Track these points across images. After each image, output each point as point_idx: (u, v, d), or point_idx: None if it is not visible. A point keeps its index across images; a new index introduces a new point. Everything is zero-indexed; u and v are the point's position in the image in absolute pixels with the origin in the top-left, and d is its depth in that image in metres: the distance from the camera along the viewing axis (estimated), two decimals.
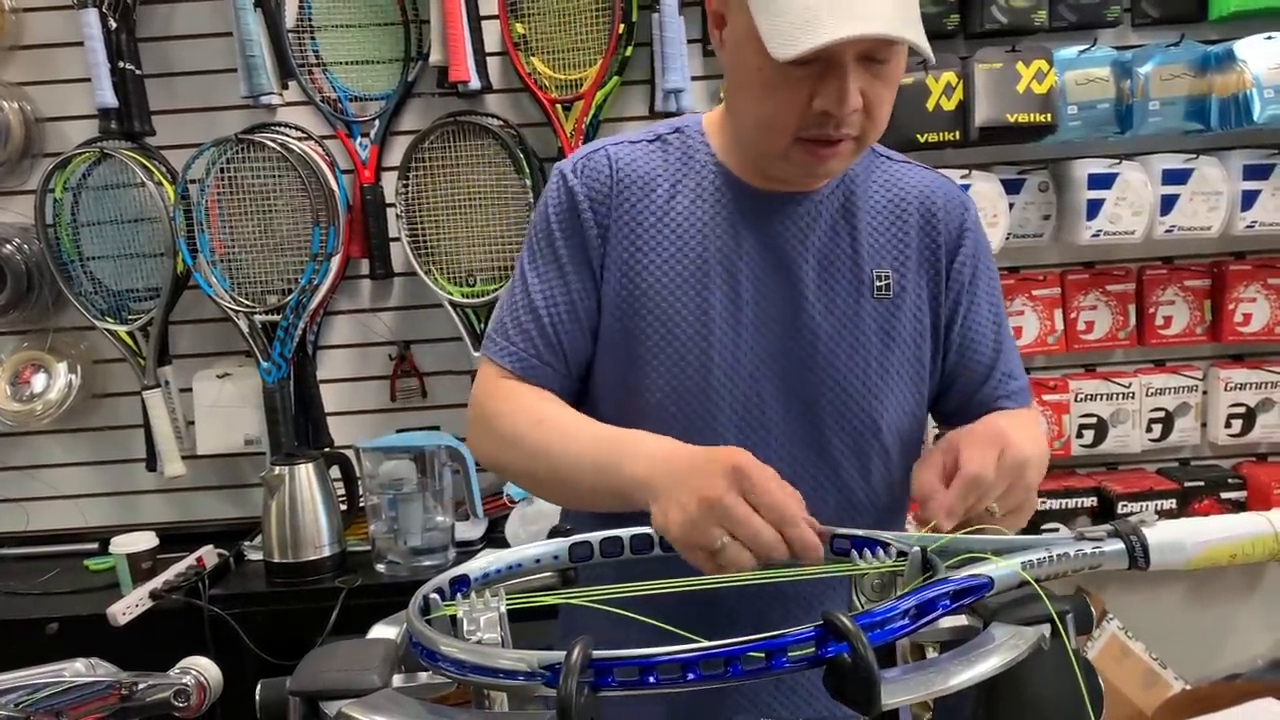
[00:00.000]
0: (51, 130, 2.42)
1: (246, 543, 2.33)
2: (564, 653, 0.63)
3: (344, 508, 2.25)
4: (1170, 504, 2.37)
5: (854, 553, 0.91)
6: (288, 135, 2.32)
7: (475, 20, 2.28)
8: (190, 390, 2.41)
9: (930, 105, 2.26)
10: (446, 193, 2.32)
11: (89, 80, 2.23)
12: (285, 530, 2.15)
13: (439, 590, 0.84)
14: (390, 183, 2.36)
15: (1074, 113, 2.27)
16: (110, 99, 2.23)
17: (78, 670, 1.05)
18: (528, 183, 2.27)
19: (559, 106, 2.30)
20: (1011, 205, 2.35)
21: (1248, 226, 2.35)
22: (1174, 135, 2.31)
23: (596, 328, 1.19)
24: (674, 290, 1.16)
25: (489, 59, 2.34)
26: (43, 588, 2.25)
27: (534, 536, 1.74)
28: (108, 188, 2.34)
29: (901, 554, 0.86)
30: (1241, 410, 2.46)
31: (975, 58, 2.25)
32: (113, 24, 2.24)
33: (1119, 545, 0.83)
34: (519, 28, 2.31)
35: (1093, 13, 2.29)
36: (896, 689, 0.65)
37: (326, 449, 2.35)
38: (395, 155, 2.38)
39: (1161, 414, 2.46)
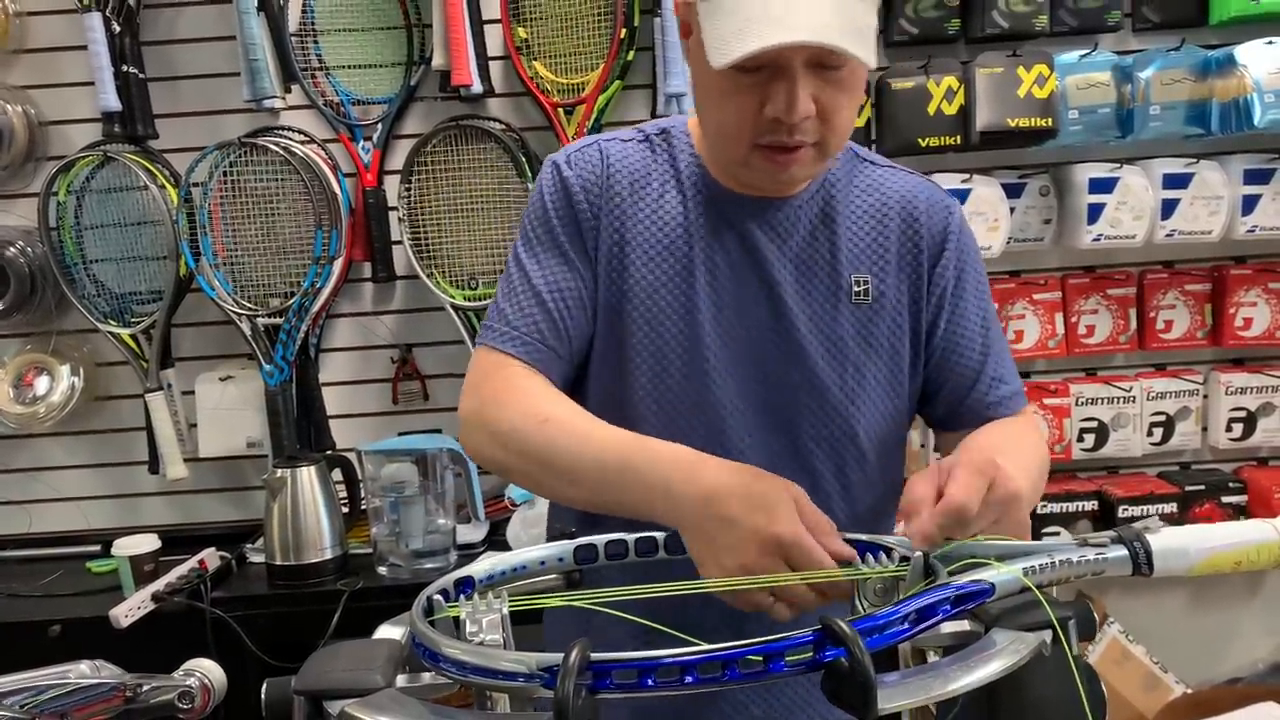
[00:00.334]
0: (55, 133, 2.42)
1: (248, 545, 2.33)
2: (562, 655, 0.64)
3: (346, 510, 2.26)
4: (1171, 508, 2.37)
5: (857, 557, 0.91)
6: (290, 139, 2.33)
7: (477, 24, 2.29)
8: (193, 393, 2.41)
9: (931, 110, 2.27)
10: (449, 196, 2.33)
11: (92, 84, 2.23)
12: (287, 533, 2.15)
13: (443, 591, 0.85)
14: (393, 186, 2.37)
15: (1075, 117, 2.27)
16: (114, 102, 2.23)
17: (83, 672, 1.05)
18: (530, 186, 2.28)
19: (561, 110, 2.31)
20: (1012, 209, 2.35)
21: (1248, 231, 2.35)
22: (1175, 140, 2.32)
23: (595, 317, 1.19)
24: (660, 289, 1.17)
25: (491, 63, 2.34)
26: (45, 590, 2.25)
27: (535, 539, 1.74)
28: (111, 191, 2.35)
29: (904, 559, 0.87)
30: (1242, 414, 2.46)
31: (976, 62, 2.25)
32: (116, 27, 2.24)
33: (1122, 552, 0.83)
34: (521, 32, 2.32)
35: (1094, 17, 2.29)
36: (895, 693, 0.65)
37: (328, 452, 2.35)
38: (398, 159, 2.38)
39: (1162, 418, 2.46)
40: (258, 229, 2.31)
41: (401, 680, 0.75)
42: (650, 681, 0.64)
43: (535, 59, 2.33)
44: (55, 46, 2.39)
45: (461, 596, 0.85)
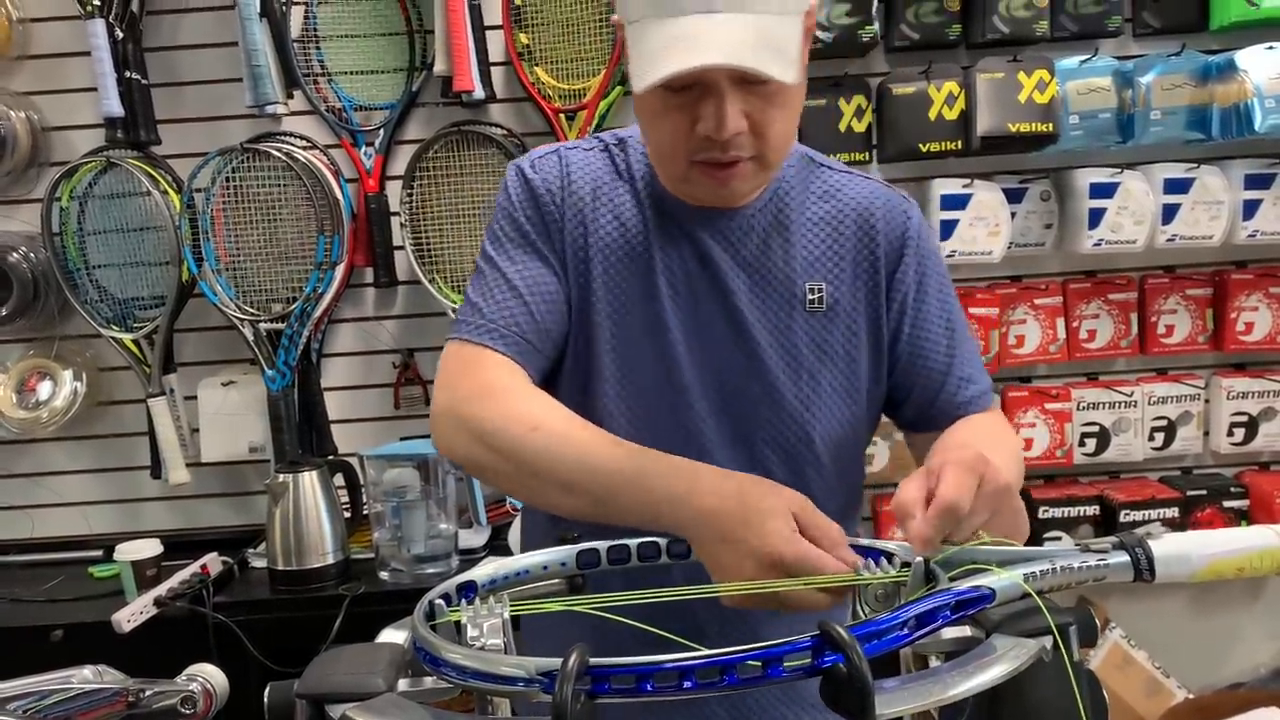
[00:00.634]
0: (58, 139, 2.43)
1: (251, 550, 2.33)
2: (561, 660, 0.64)
3: (348, 515, 2.26)
4: (1172, 513, 2.37)
5: (858, 562, 0.91)
6: (293, 144, 2.33)
7: (479, 30, 2.29)
8: (195, 398, 2.41)
9: (932, 115, 2.27)
10: (450, 202, 2.33)
11: (95, 89, 2.24)
12: (289, 538, 2.15)
13: (445, 596, 0.85)
14: (394, 192, 2.38)
15: (1075, 122, 2.28)
16: (116, 108, 2.24)
17: (85, 677, 1.06)
18: None
19: (562, 116, 2.31)
20: (1013, 214, 2.35)
21: (1249, 236, 2.35)
22: (1175, 145, 2.32)
23: (570, 316, 1.19)
24: (625, 294, 1.18)
25: (493, 69, 2.35)
26: (47, 595, 2.26)
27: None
28: (114, 196, 2.36)
29: (905, 564, 0.87)
30: (1244, 419, 2.46)
31: (977, 67, 2.26)
32: (119, 34, 2.25)
33: (1124, 557, 0.83)
34: (523, 38, 2.33)
35: (1094, 23, 2.30)
36: (894, 699, 0.65)
37: (330, 456, 2.35)
38: (400, 164, 2.39)
39: (1164, 423, 2.46)
40: (260, 234, 2.31)
41: (403, 685, 0.75)
42: (649, 686, 0.64)
43: (537, 65, 2.33)
44: (58, 53, 2.40)
45: (463, 601, 0.85)
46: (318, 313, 2.31)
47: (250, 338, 2.30)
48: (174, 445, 2.36)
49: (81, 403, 2.42)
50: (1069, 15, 2.29)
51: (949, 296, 1.25)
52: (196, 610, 2.06)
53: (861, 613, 0.86)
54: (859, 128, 2.34)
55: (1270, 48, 2.21)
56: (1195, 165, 2.33)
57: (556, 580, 0.99)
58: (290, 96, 2.35)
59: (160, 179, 2.31)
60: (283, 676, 0.76)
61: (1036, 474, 2.51)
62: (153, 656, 1.32)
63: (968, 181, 2.32)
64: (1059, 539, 2.38)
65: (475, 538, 2.30)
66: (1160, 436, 2.46)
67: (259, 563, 2.28)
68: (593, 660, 0.64)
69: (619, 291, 1.18)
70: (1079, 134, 2.28)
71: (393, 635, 0.83)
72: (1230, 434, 2.47)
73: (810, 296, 1.19)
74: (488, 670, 0.68)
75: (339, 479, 2.25)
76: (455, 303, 2.31)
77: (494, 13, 2.32)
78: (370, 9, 2.37)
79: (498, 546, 2.30)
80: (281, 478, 2.16)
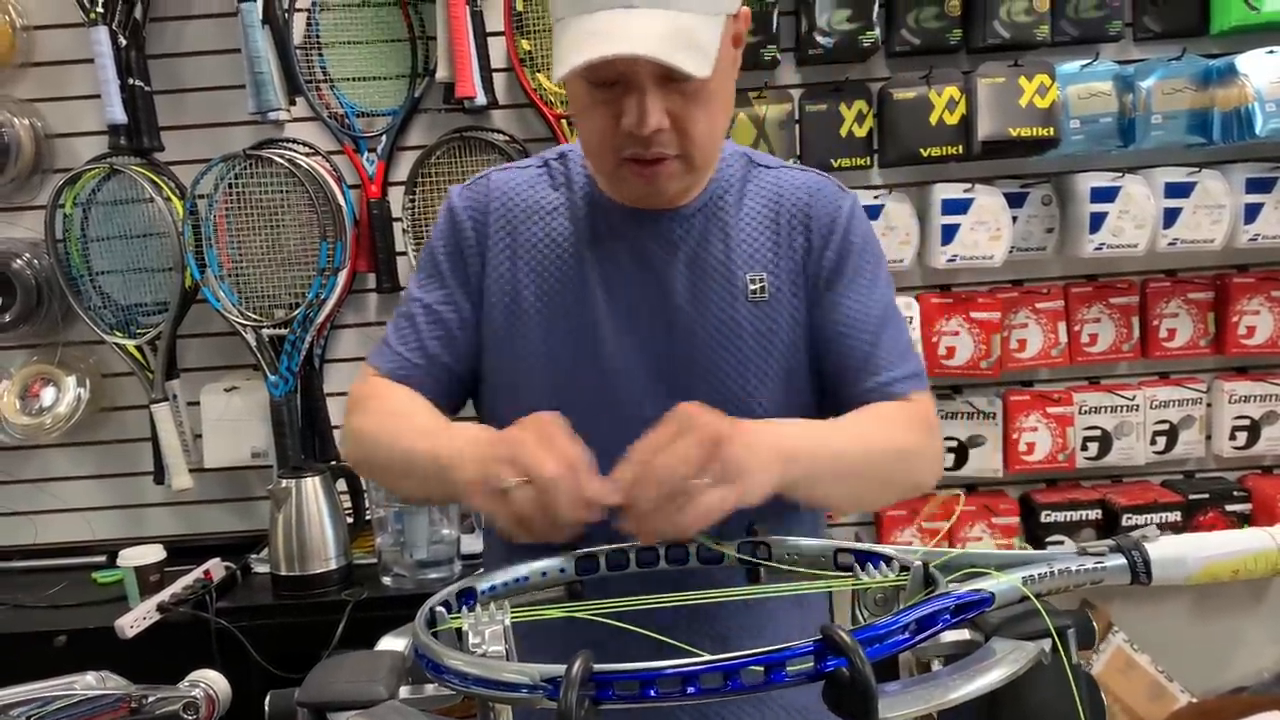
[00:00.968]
0: (61, 146, 2.44)
1: (253, 555, 2.33)
2: (565, 666, 0.64)
3: (350, 521, 2.26)
4: (1175, 516, 2.37)
5: (857, 566, 0.92)
6: (295, 151, 2.34)
7: (481, 37, 2.30)
8: (198, 404, 2.42)
9: (933, 120, 2.28)
10: None
11: (99, 96, 2.24)
12: (292, 543, 2.15)
13: (446, 603, 0.85)
14: (397, 198, 2.38)
15: (1076, 127, 2.28)
16: (120, 115, 2.25)
17: (88, 683, 1.06)
18: None
19: (564, 122, 2.32)
20: (1015, 219, 2.35)
21: (1251, 239, 2.35)
22: (1176, 149, 2.32)
23: (476, 336, 1.24)
24: (554, 305, 1.21)
25: (495, 75, 2.36)
26: (51, 600, 2.26)
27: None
28: (117, 203, 2.36)
29: (904, 568, 0.87)
30: (1246, 423, 2.46)
31: (977, 72, 2.26)
32: (123, 41, 2.26)
33: (1120, 560, 0.84)
34: (525, 44, 2.33)
35: (1095, 27, 2.30)
36: (896, 703, 0.65)
37: (333, 462, 2.36)
38: (402, 170, 2.39)
39: (1166, 426, 2.46)
40: (263, 241, 2.32)
41: (405, 692, 0.76)
42: (653, 692, 0.65)
43: (539, 71, 2.34)
44: (62, 60, 2.40)
45: (464, 608, 0.85)
46: (320, 318, 2.31)
47: (253, 343, 2.31)
48: (177, 451, 2.36)
49: (85, 408, 2.43)
50: (1069, 20, 2.30)
51: (879, 285, 1.24)
52: (199, 616, 2.07)
53: (861, 617, 0.86)
54: (860, 133, 2.34)
55: (1271, 52, 2.21)
56: (1196, 169, 2.33)
57: (556, 586, 0.99)
58: (293, 103, 2.35)
59: (163, 185, 2.32)
60: (285, 682, 0.77)
61: (1039, 478, 2.51)
62: (156, 662, 1.32)
63: (969, 186, 2.32)
64: (1061, 543, 2.38)
65: (477, 543, 2.30)
66: (1162, 440, 2.46)
67: (262, 568, 2.29)
68: (596, 666, 0.64)
69: (551, 301, 1.21)
70: (1080, 138, 2.28)
71: (391, 643, 0.83)
72: (1232, 438, 2.46)
73: (752, 287, 1.20)
74: (491, 677, 0.69)
75: (342, 484, 2.26)
76: None
77: (496, 19, 2.32)
78: (372, 15, 2.37)
79: None
80: (284, 483, 2.17)
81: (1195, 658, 2.51)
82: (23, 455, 2.51)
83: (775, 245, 1.22)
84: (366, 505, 2.28)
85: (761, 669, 0.65)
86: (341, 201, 2.31)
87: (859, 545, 0.94)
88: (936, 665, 0.80)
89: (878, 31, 2.27)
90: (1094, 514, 2.41)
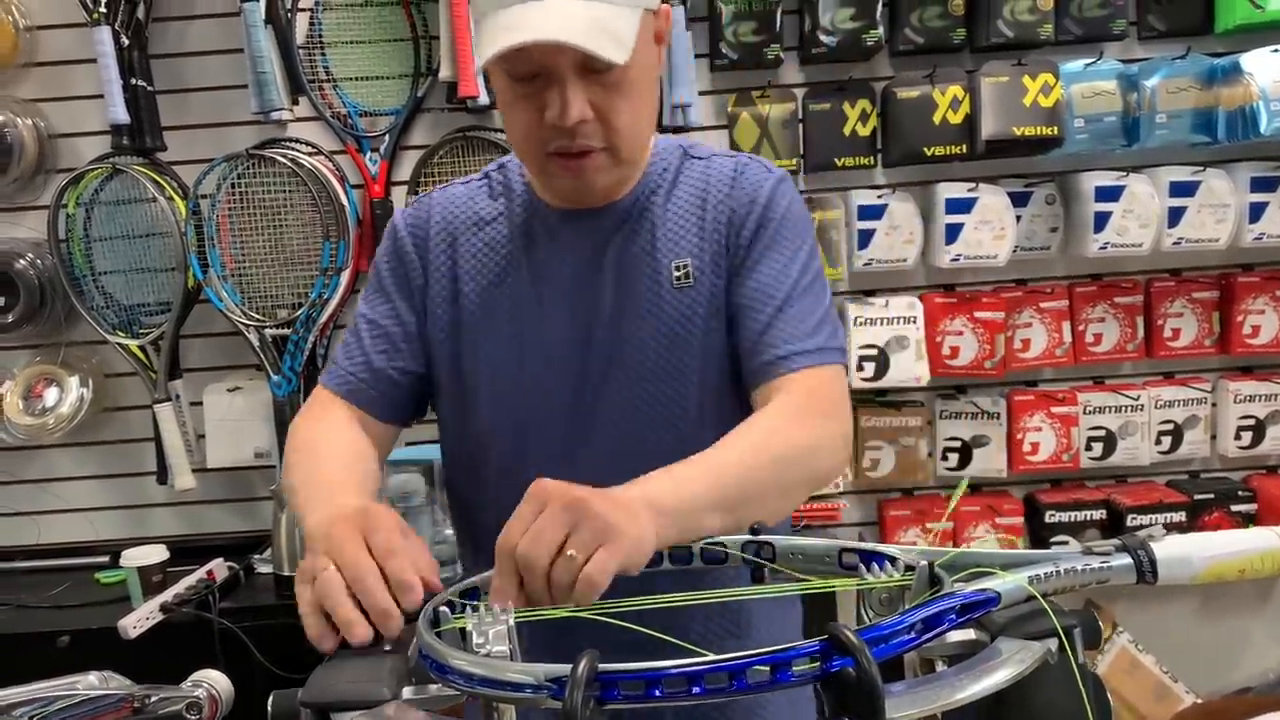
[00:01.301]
0: (64, 146, 2.44)
1: (256, 556, 2.34)
2: (570, 666, 0.64)
3: None
4: (1180, 517, 2.37)
5: (862, 566, 0.91)
6: (298, 150, 2.34)
7: None
8: (201, 404, 2.42)
9: (937, 119, 2.27)
10: None
11: (102, 96, 2.25)
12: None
13: (449, 603, 0.85)
14: (400, 197, 2.38)
15: (1081, 126, 2.27)
16: (123, 115, 2.25)
17: (91, 683, 1.06)
18: None
19: None
20: (1019, 218, 2.35)
21: (1256, 239, 2.35)
22: (1181, 148, 2.31)
23: (423, 350, 1.27)
24: (492, 310, 1.24)
25: None
26: (54, 600, 2.26)
27: None
28: (120, 203, 2.37)
29: (909, 568, 0.86)
30: (1251, 422, 2.45)
31: (981, 71, 2.26)
32: (125, 41, 2.26)
33: (1126, 560, 0.83)
34: None
35: (1099, 26, 2.29)
36: (902, 703, 0.65)
37: None
38: (405, 170, 2.39)
39: (1170, 426, 2.45)
40: (265, 240, 2.32)
41: (408, 692, 0.75)
42: (658, 692, 0.64)
43: None
44: (65, 60, 2.41)
45: (468, 608, 0.85)
46: (323, 318, 2.31)
47: (256, 343, 2.30)
48: (180, 451, 2.36)
49: (88, 409, 2.43)
50: (1073, 19, 2.29)
51: (795, 260, 1.21)
52: (202, 616, 2.07)
53: (866, 617, 0.86)
54: (864, 132, 2.34)
55: (1276, 50, 2.20)
56: (1201, 168, 2.33)
57: None
58: (295, 103, 2.35)
59: (166, 185, 2.32)
60: (288, 682, 0.76)
61: (1043, 478, 2.51)
62: (158, 662, 1.32)
63: (973, 185, 2.32)
64: (1065, 543, 2.38)
65: None
66: (1167, 440, 2.45)
67: (265, 568, 2.29)
68: (601, 666, 0.64)
69: (490, 306, 1.24)
70: (1084, 137, 2.28)
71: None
72: (1237, 437, 2.46)
73: (677, 274, 1.21)
74: (495, 677, 0.68)
75: None
76: None
77: None
78: (375, 15, 2.37)
79: None
80: (282, 475, 2.16)
81: (1200, 658, 2.51)
82: (26, 455, 2.51)
83: (701, 230, 1.22)
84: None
85: (767, 669, 0.65)
86: (344, 201, 2.31)
87: (864, 545, 0.94)
88: (940, 666, 0.79)
89: (881, 30, 2.27)
90: (1098, 514, 2.40)
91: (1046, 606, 0.75)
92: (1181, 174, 2.33)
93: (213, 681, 1.13)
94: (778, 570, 0.98)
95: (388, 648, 0.82)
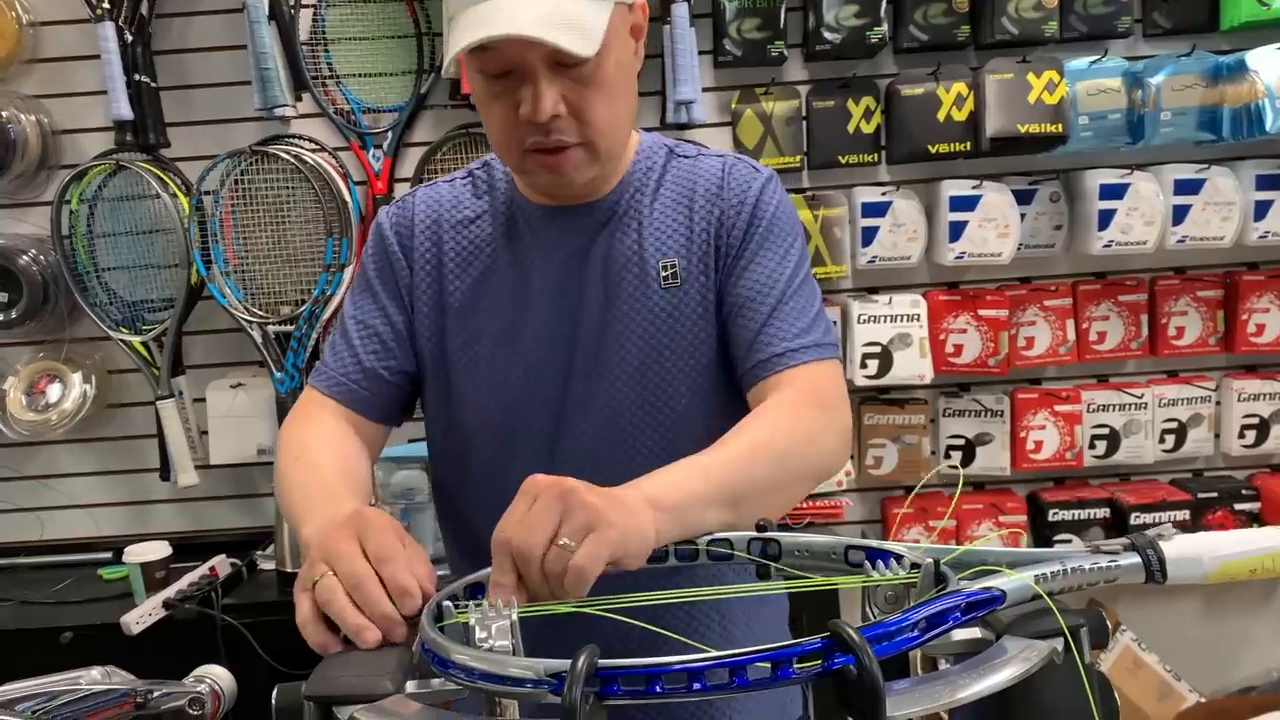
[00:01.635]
0: (68, 142, 2.44)
1: (259, 552, 2.34)
2: (570, 661, 0.63)
3: None
4: (1183, 515, 2.36)
5: (867, 564, 0.91)
6: (301, 147, 2.34)
7: None
8: (204, 400, 2.42)
9: (941, 116, 2.27)
10: None
11: (105, 93, 2.25)
12: (298, 540, 2.15)
13: (452, 597, 0.85)
14: (403, 194, 2.37)
15: (1085, 123, 2.27)
16: (126, 111, 2.25)
17: (94, 678, 1.06)
18: None
19: None
20: (1023, 216, 2.34)
21: (1260, 237, 2.34)
22: (1186, 145, 2.31)
23: (413, 349, 1.26)
24: (477, 308, 1.24)
25: None
26: (57, 596, 2.26)
27: None
28: (123, 199, 2.37)
29: (914, 566, 0.86)
30: (1255, 421, 2.45)
31: (986, 68, 2.25)
32: (129, 37, 2.26)
33: (1135, 559, 0.83)
34: None
35: (1104, 23, 2.29)
36: (904, 700, 0.65)
37: None
38: (408, 167, 2.39)
39: (1174, 425, 2.45)
40: (269, 237, 2.32)
41: (411, 686, 0.75)
42: (658, 688, 0.64)
43: None
44: (68, 56, 2.41)
45: (471, 603, 0.85)
46: (326, 315, 2.31)
47: (259, 340, 2.30)
48: (183, 448, 2.37)
49: (91, 405, 2.43)
50: (1078, 16, 2.29)
51: (786, 260, 1.21)
52: (205, 612, 2.07)
53: (871, 614, 0.86)
54: (868, 129, 2.33)
55: None
56: (1206, 166, 2.32)
57: None
58: (299, 99, 2.35)
59: (169, 182, 2.32)
60: (291, 678, 0.76)
61: (1046, 476, 2.51)
62: (161, 658, 1.32)
63: (977, 183, 2.31)
64: (1069, 541, 2.37)
65: None
66: (1171, 439, 2.45)
67: (267, 565, 2.29)
68: (601, 661, 0.64)
69: (475, 303, 1.24)
70: (1089, 135, 2.27)
71: None
72: (1241, 436, 2.45)
73: (664, 273, 1.21)
74: (496, 672, 0.68)
75: None
76: None
77: None
78: (378, 11, 2.37)
79: None
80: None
81: (1204, 657, 2.51)
82: (29, 452, 2.51)
83: (689, 230, 1.22)
84: (372, 502, 2.27)
85: (768, 665, 0.64)
86: (347, 197, 2.31)
87: (869, 542, 0.93)
88: (944, 664, 0.79)
89: (885, 27, 2.27)
90: (1102, 513, 2.40)
91: (1052, 605, 0.75)
92: (1186, 172, 2.32)
93: (215, 677, 1.14)
94: (782, 569, 0.98)
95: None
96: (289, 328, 2.30)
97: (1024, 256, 2.38)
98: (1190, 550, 0.82)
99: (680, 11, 2.22)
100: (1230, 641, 2.56)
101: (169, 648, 2.02)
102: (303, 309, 2.28)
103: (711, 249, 1.22)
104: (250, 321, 2.30)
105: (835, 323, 2.33)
